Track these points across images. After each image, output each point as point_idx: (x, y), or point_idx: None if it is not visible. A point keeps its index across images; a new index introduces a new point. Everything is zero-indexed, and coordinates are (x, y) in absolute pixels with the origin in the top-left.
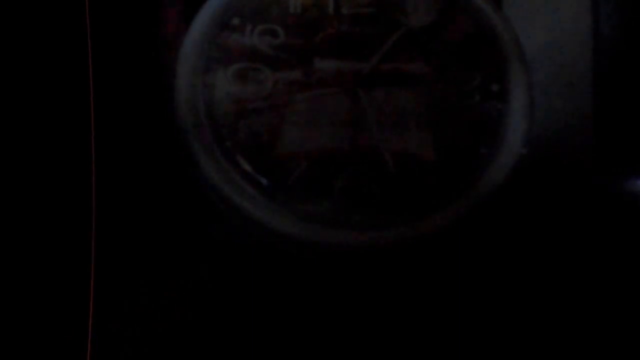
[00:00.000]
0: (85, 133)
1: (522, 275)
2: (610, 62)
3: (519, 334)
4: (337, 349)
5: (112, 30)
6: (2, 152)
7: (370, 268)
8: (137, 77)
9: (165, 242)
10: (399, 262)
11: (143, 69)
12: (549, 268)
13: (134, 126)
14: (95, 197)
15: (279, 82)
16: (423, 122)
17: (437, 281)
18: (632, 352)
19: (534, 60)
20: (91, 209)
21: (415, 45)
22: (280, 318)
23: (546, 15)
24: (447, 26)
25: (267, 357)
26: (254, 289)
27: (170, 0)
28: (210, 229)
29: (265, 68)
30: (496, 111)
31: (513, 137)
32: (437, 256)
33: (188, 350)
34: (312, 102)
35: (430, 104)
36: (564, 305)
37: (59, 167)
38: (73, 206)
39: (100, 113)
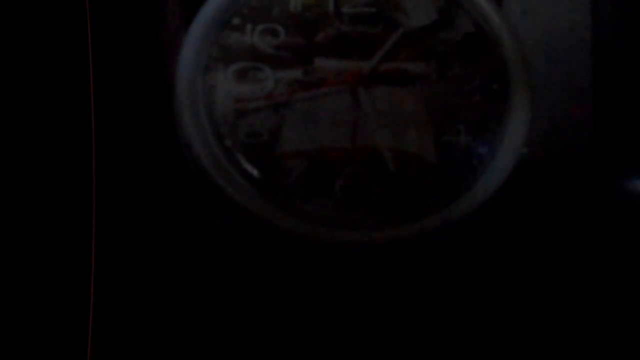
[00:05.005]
0: (87, 132)
1: (522, 275)
2: (610, 62)
3: (519, 334)
4: (337, 348)
5: (113, 31)
6: (3, 151)
7: (370, 267)
8: (138, 77)
9: (166, 241)
10: (399, 262)
11: (144, 68)
12: (549, 268)
13: (135, 125)
14: (96, 197)
15: (279, 82)
16: (423, 122)
17: (437, 281)
18: (632, 352)
19: (534, 60)
20: (91, 209)
21: (415, 45)
22: (280, 317)
23: (546, 15)
24: (447, 26)
25: (267, 357)
26: (253, 288)
27: (170, 0)
28: (210, 228)
29: (265, 67)
30: (496, 111)
31: (513, 137)
32: (437, 256)
33: (188, 350)
34: (312, 101)
35: (431, 103)
36: (564, 305)
37: (59, 167)
38: (73, 206)
39: (101, 113)
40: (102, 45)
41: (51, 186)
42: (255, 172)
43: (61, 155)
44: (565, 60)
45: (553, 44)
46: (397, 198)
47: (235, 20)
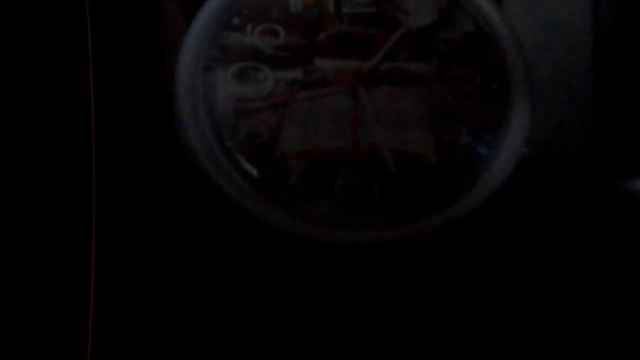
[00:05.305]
0: (87, 133)
1: (522, 275)
2: (611, 62)
3: (519, 334)
4: (337, 348)
5: (113, 31)
6: (3, 151)
7: (370, 268)
8: (138, 77)
9: (166, 241)
10: (399, 262)
11: (144, 69)
12: (549, 268)
13: (135, 126)
14: (96, 197)
15: (279, 82)
16: (423, 122)
17: (437, 281)
18: (632, 352)
19: (534, 60)
20: (92, 209)
21: (415, 44)
22: (280, 317)
23: (546, 15)
24: (447, 26)
25: (267, 357)
26: (253, 289)
27: (170, 0)
28: (210, 228)
29: (265, 67)
30: (496, 111)
31: (513, 137)
32: (437, 256)
33: (188, 350)
34: (312, 101)
35: (431, 103)
36: (564, 304)
37: (59, 167)
38: (73, 206)
39: (101, 113)
40: (102, 45)
41: (51, 186)
42: (255, 172)
43: (61, 155)
44: (565, 60)
45: (553, 44)
46: (397, 198)
47: (235, 21)
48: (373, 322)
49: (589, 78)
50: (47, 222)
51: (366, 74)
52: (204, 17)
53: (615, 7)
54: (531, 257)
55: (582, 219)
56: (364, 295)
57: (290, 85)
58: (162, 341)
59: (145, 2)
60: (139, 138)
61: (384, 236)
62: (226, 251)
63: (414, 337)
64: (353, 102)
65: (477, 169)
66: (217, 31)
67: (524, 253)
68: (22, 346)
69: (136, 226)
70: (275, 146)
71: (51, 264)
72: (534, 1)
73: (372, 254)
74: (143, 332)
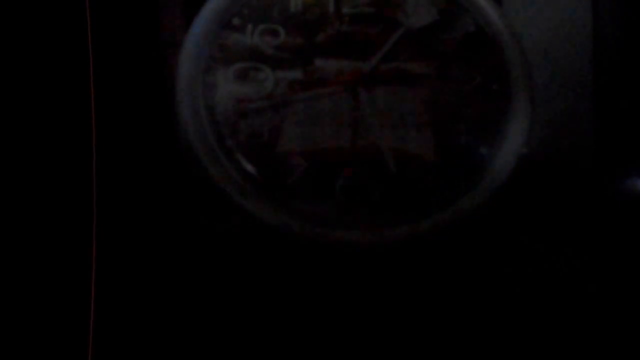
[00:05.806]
0: (87, 133)
1: (522, 275)
2: (610, 62)
3: (519, 334)
4: (337, 348)
5: (113, 30)
6: (3, 151)
7: (370, 268)
8: (138, 77)
9: (166, 241)
10: (399, 262)
11: (144, 69)
12: (549, 268)
13: (135, 126)
14: (96, 197)
15: (279, 82)
16: (423, 122)
17: (437, 281)
18: (632, 352)
19: (534, 60)
20: (92, 209)
21: (415, 44)
22: (280, 317)
23: (546, 15)
24: (447, 26)
25: (267, 357)
26: (254, 289)
27: (170, 0)
28: (210, 228)
29: (265, 67)
30: (496, 111)
31: (513, 137)
32: (437, 256)
33: (188, 350)
34: (312, 101)
35: (431, 103)
36: (564, 304)
37: (59, 167)
38: (74, 206)
39: (102, 113)
40: (102, 45)
41: (52, 187)
42: (255, 172)
43: (61, 155)
44: (566, 60)
45: (553, 44)
46: (397, 198)
47: (236, 21)
48: (373, 322)
49: (589, 78)
50: (48, 223)
51: (366, 74)
52: (204, 17)
53: (615, 7)
54: (531, 257)
55: (582, 219)
56: (363, 295)
57: (290, 85)
58: (163, 341)
59: (145, 2)
60: (140, 138)
61: (384, 236)
62: (226, 251)
63: (414, 337)
64: (353, 102)
65: (477, 169)
66: (217, 31)
67: (524, 253)
68: (22, 346)
69: (136, 226)
70: (275, 146)
71: (52, 265)
72: (534, 1)
73: (372, 254)
74: (143, 332)
